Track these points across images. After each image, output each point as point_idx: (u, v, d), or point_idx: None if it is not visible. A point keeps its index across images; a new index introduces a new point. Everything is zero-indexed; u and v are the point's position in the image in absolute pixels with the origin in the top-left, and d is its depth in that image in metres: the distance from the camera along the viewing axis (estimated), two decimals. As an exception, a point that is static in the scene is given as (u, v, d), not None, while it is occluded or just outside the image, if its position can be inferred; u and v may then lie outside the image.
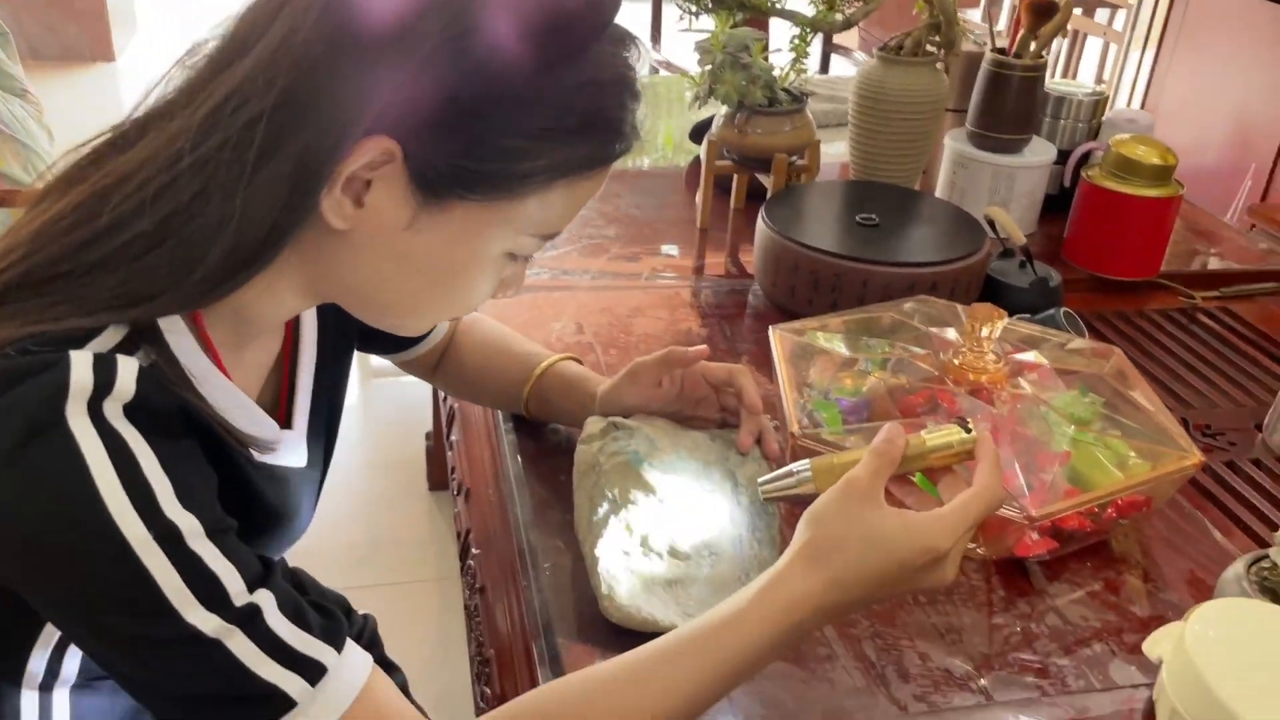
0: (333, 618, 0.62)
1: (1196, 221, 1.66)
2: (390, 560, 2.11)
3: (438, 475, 2.26)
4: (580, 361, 1.00)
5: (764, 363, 1.16)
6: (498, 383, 1.01)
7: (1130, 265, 1.40)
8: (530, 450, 0.98)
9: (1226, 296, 1.42)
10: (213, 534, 0.58)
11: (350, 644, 0.62)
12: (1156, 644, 0.60)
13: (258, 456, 0.69)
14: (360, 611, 1.15)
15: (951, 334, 1.00)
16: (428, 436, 2.27)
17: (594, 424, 0.88)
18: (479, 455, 1.19)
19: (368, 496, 2.30)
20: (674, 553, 0.79)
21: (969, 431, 0.72)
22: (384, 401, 2.61)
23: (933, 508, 0.68)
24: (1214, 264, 1.53)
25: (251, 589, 0.58)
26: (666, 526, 0.80)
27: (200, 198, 0.58)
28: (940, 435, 0.72)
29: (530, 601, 0.82)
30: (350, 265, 0.65)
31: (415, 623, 1.95)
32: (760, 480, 0.74)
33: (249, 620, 0.57)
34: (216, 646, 0.56)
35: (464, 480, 1.24)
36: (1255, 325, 1.34)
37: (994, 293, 1.25)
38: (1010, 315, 0.98)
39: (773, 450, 0.90)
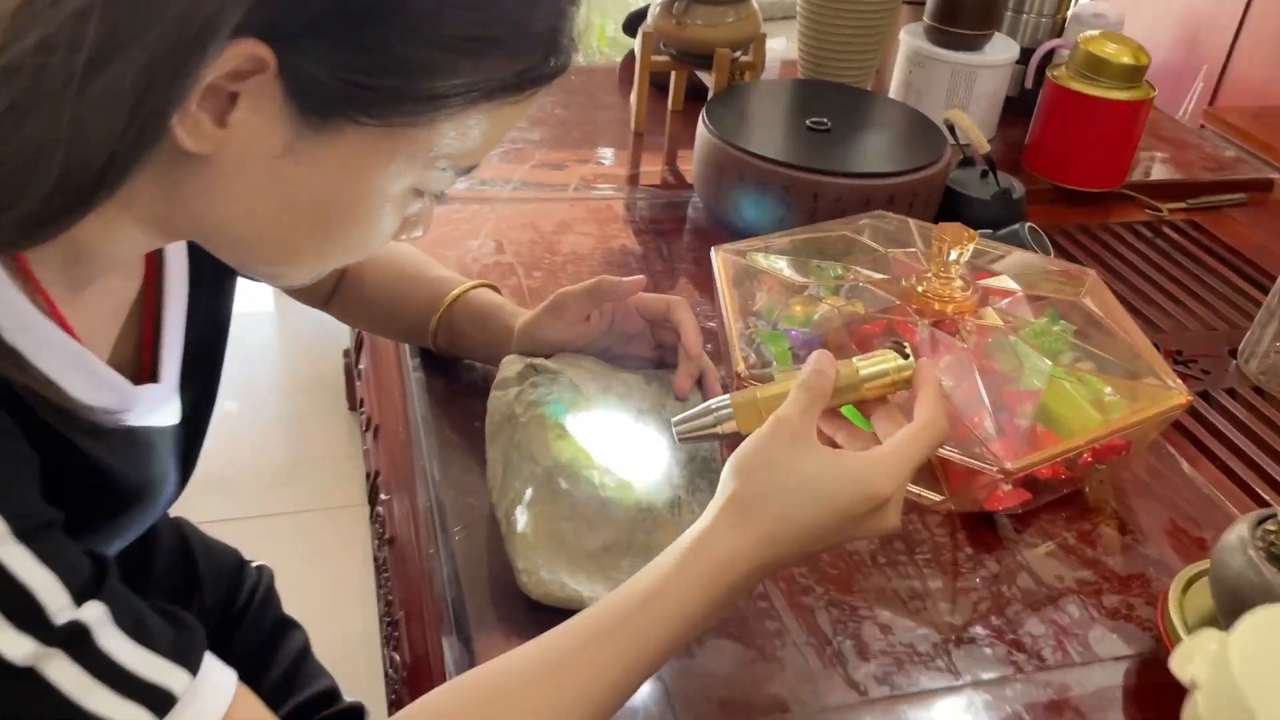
0: (185, 629, 0.51)
1: (1158, 126, 1.57)
2: (310, 485, 2.00)
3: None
4: (498, 289, 0.88)
5: (704, 283, 1.05)
6: (403, 312, 0.88)
7: (1096, 174, 1.30)
8: (440, 390, 0.86)
9: (1193, 208, 1.33)
10: (25, 535, 0.46)
11: (210, 661, 0.51)
12: (1187, 662, 0.50)
13: (105, 423, 0.57)
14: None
15: (907, 255, 0.90)
16: (346, 354, 2.13)
17: (510, 366, 0.76)
18: (389, 389, 1.08)
19: (285, 417, 2.18)
20: (601, 519, 0.69)
21: (907, 357, 0.63)
22: (301, 316, 2.46)
23: (866, 442, 0.61)
24: (1172, 173, 1.44)
25: (79, 600, 0.46)
26: (593, 488, 0.69)
27: (14, 114, 0.44)
28: (875, 362, 0.63)
29: (438, 572, 0.71)
30: (212, 199, 0.51)
31: (335, 552, 1.85)
32: (675, 420, 0.64)
33: (74, 641, 0.46)
34: (30, 676, 0.45)
35: (373, 415, 1.12)
36: (1224, 240, 1.26)
37: (953, 206, 1.15)
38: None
39: (716, 395, 0.79)
